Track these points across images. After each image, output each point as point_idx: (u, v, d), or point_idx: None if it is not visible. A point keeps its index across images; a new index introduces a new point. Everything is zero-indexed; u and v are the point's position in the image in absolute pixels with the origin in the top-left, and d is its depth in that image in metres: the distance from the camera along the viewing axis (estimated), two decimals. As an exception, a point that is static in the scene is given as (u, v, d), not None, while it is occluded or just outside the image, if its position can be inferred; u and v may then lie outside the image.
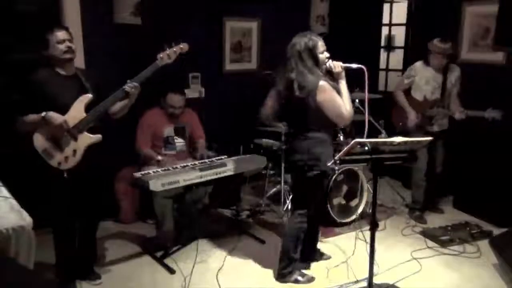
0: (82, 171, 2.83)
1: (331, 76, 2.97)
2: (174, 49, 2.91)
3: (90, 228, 3.14)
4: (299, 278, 3.19)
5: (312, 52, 2.89)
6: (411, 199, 4.37)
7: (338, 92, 2.92)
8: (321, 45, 2.93)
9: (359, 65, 2.87)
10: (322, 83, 2.86)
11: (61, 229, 2.96)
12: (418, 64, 4.07)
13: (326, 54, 2.96)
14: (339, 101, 2.88)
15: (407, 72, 4.15)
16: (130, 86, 2.81)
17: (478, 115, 3.79)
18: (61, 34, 2.75)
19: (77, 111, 2.76)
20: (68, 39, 2.78)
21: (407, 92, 4.15)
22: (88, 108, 2.79)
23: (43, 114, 2.65)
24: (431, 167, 4.12)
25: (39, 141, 2.73)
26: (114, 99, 2.83)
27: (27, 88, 2.75)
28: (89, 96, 2.79)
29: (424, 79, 4.02)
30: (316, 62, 2.91)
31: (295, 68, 2.89)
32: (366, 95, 2.97)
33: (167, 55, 2.89)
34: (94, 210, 3.09)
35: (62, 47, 2.74)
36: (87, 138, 2.79)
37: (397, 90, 4.20)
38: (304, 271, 3.27)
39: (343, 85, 2.93)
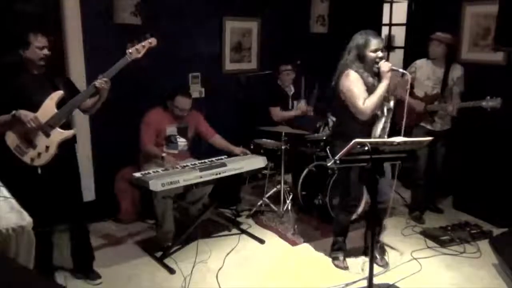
0: (57, 169, 2.83)
1: (379, 77, 3.05)
2: (143, 44, 2.92)
3: (80, 229, 3.12)
4: (339, 258, 3.39)
5: (360, 48, 3.03)
6: (410, 199, 4.37)
7: (372, 90, 2.99)
8: (373, 44, 3.01)
9: (404, 71, 3.01)
10: (350, 70, 3.00)
11: (36, 226, 2.94)
12: (419, 60, 4.08)
13: (379, 54, 3.03)
14: (358, 92, 2.98)
15: (408, 69, 4.14)
16: (100, 81, 2.81)
17: (476, 105, 3.76)
18: (42, 41, 2.79)
19: (48, 108, 2.77)
20: (47, 47, 2.81)
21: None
22: (60, 105, 2.81)
23: (13, 112, 2.66)
24: (431, 167, 4.11)
25: (11, 138, 2.75)
26: (85, 95, 2.85)
27: (1, 90, 2.76)
28: (60, 92, 2.81)
29: (425, 75, 4.02)
30: (361, 58, 3.04)
31: (341, 59, 3.11)
32: (407, 99, 3.05)
33: (136, 50, 2.89)
34: (76, 210, 3.06)
35: (40, 53, 2.78)
36: (59, 134, 2.81)
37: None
38: (348, 259, 3.40)
39: (382, 84, 3.01)
